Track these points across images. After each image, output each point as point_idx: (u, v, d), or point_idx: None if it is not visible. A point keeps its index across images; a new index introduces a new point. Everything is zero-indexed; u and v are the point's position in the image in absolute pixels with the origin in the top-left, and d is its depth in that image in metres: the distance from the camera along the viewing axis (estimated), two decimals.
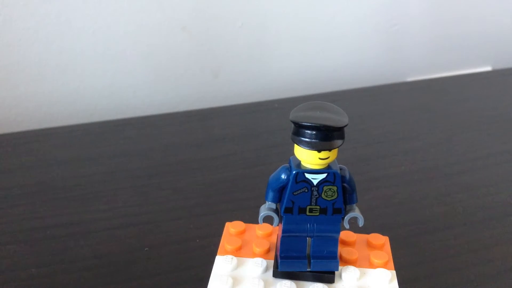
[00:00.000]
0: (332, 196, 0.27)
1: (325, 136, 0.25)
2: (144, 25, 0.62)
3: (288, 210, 0.27)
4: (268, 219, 0.28)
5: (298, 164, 0.27)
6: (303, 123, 0.25)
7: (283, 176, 0.27)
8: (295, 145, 0.26)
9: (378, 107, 0.66)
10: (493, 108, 0.66)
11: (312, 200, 0.27)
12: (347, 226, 0.28)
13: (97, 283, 0.36)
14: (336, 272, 0.29)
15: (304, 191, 0.27)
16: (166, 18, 0.63)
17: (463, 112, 0.64)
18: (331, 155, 0.26)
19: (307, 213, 0.27)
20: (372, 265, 0.30)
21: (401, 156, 0.54)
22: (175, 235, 0.41)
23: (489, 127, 0.60)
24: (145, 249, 0.40)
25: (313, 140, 0.25)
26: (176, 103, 0.67)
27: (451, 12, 0.78)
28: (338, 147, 0.26)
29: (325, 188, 0.27)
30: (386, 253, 0.30)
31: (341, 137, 0.26)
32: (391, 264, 0.30)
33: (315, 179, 0.27)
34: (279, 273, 0.28)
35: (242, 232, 0.32)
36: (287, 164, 0.28)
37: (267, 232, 0.31)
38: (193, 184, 0.48)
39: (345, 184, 0.27)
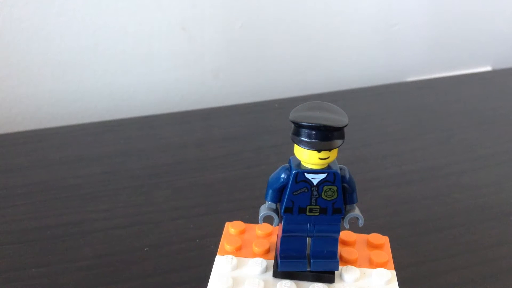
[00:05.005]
0: (332, 196, 0.27)
1: (325, 136, 0.25)
2: (144, 25, 0.62)
3: (288, 210, 0.27)
4: (268, 219, 0.28)
5: (298, 164, 0.27)
6: (303, 123, 0.25)
7: (283, 176, 0.27)
8: (295, 145, 0.26)
9: (378, 107, 0.66)
10: (493, 108, 0.66)
11: (312, 200, 0.27)
12: (347, 226, 0.28)
13: (97, 283, 0.36)
14: (336, 272, 0.29)
15: (304, 191, 0.27)
16: (166, 18, 0.63)
17: (463, 112, 0.64)
18: (331, 155, 0.26)
19: (307, 213, 0.27)
20: (372, 265, 0.30)
21: (401, 156, 0.54)
22: (175, 235, 0.41)
23: (489, 127, 0.60)
24: (145, 249, 0.40)
25: (313, 140, 0.25)
26: (176, 103, 0.67)
27: (451, 12, 0.78)
28: (338, 147, 0.26)
29: (325, 188, 0.27)
30: (386, 253, 0.30)
31: (341, 137, 0.26)
32: (391, 264, 0.30)
33: (315, 179, 0.27)
34: (279, 273, 0.28)
35: (242, 232, 0.32)
36: (287, 164, 0.28)
37: (267, 232, 0.31)
38: (193, 184, 0.48)
39: (345, 184, 0.27)
